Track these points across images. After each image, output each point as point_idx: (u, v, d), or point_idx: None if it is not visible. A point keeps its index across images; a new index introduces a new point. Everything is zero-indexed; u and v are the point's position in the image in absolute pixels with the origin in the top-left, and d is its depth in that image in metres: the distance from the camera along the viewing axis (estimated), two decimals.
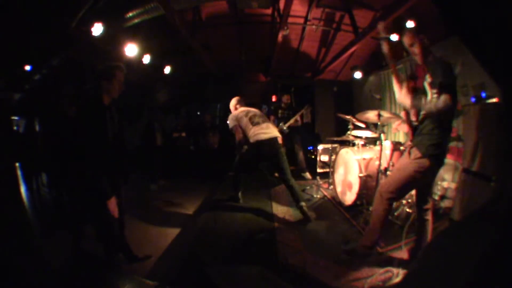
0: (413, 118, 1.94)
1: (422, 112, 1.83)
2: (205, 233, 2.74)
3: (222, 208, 3.36)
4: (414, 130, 1.89)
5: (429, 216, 1.94)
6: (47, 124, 3.04)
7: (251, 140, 2.93)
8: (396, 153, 2.85)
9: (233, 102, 3.34)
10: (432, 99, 1.69)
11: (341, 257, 2.10)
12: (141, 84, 5.42)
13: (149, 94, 6.30)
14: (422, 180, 1.82)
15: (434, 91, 1.68)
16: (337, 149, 3.71)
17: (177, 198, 3.98)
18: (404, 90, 1.83)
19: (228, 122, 3.15)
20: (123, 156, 2.06)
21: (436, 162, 1.76)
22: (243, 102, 3.29)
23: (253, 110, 3.16)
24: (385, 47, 1.94)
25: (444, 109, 1.61)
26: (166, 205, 3.68)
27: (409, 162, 1.82)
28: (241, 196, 3.50)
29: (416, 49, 1.82)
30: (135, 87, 4.95)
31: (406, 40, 1.85)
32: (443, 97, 1.61)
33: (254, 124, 2.99)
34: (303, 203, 2.84)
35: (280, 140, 3.04)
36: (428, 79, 1.77)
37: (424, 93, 1.79)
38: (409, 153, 1.85)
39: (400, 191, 1.86)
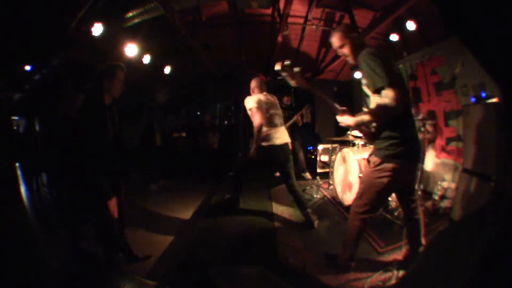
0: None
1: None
2: (205, 233, 2.74)
3: (222, 208, 3.37)
4: (373, 137, 1.72)
5: (419, 215, 1.84)
6: (47, 124, 3.04)
7: (264, 143, 2.73)
8: None
9: (253, 83, 2.97)
10: (373, 102, 1.57)
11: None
12: (141, 84, 5.42)
13: (149, 94, 6.30)
14: (395, 184, 1.67)
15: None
16: (337, 149, 3.71)
17: (177, 198, 3.98)
18: (345, 113, 1.70)
19: (245, 102, 2.84)
20: (123, 156, 2.06)
21: (404, 160, 1.59)
22: (264, 86, 2.94)
23: (273, 103, 2.86)
24: (293, 82, 1.77)
25: (387, 113, 1.48)
26: (166, 205, 3.68)
27: (370, 171, 1.70)
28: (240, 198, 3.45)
29: (345, 50, 1.70)
30: (135, 87, 4.95)
31: (334, 42, 1.72)
32: (379, 105, 1.49)
33: (273, 125, 2.76)
34: (309, 210, 2.76)
35: (290, 146, 2.90)
36: (363, 81, 1.66)
37: (367, 96, 1.68)
38: (369, 162, 1.74)
39: (370, 202, 1.72)
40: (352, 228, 1.83)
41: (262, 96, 2.83)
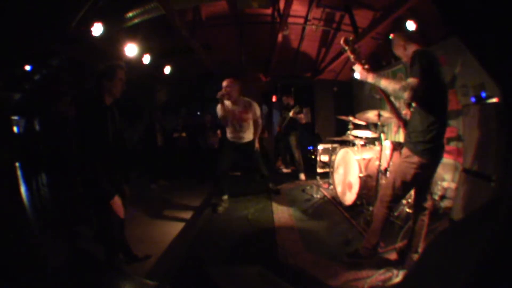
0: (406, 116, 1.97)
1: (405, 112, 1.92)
2: (205, 233, 2.74)
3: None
4: (405, 126, 1.92)
5: (425, 218, 1.90)
6: (47, 124, 3.04)
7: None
8: (396, 153, 2.85)
9: None
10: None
11: (342, 258, 2.09)
12: (141, 84, 5.42)
13: (149, 94, 6.29)
14: (419, 177, 1.79)
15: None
16: (337, 149, 3.71)
17: (177, 198, 3.98)
18: (365, 67, 1.94)
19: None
20: (123, 156, 2.06)
21: (430, 157, 1.73)
22: None
23: None
24: (352, 57, 2.00)
25: (400, 91, 1.65)
26: (166, 205, 3.68)
27: (401, 161, 1.85)
28: (226, 199, 3.52)
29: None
30: (136, 87, 4.95)
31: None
32: (401, 82, 1.70)
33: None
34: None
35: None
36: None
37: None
38: (400, 153, 1.87)
39: (397, 192, 1.86)
40: (380, 216, 1.94)
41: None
